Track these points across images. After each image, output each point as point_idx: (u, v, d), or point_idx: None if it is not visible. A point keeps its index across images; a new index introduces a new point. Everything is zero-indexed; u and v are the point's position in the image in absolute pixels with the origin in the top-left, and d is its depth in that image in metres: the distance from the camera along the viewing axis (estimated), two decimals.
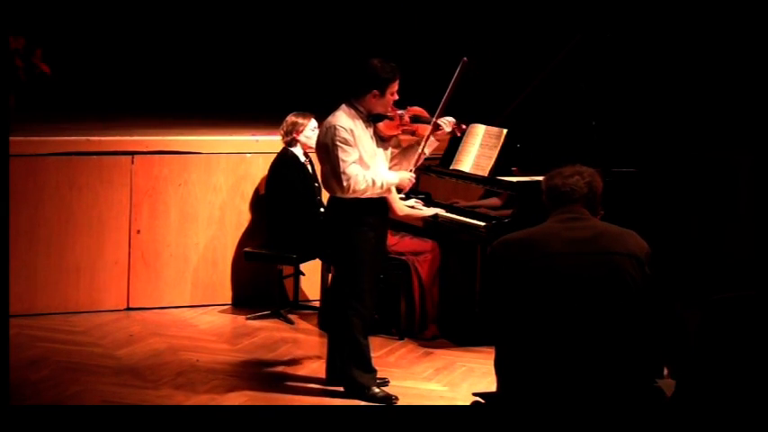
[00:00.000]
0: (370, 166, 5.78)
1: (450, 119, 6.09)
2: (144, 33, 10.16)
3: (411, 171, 6.02)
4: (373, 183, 5.73)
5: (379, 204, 5.90)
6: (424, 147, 6.01)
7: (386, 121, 5.87)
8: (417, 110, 6.05)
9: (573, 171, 4.11)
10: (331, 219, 5.93)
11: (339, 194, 5.76)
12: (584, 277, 3.80)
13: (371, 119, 5.83)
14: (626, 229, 3.99)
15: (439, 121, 6.02)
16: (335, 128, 5.70)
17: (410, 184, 6.03)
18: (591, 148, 6.73)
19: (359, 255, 5.81)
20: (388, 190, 5.93)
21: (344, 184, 5.68)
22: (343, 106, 5.81)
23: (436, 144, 6.19)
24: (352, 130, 5.71)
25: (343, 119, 5.74)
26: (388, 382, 6.10)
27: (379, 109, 5.82)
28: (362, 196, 5.74)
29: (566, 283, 3.79)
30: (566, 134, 6.98)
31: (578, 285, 3.79)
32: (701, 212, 8.35)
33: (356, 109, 5.79)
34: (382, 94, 5.76)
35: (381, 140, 5.90)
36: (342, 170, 5.67)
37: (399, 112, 5.95)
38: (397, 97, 5.83)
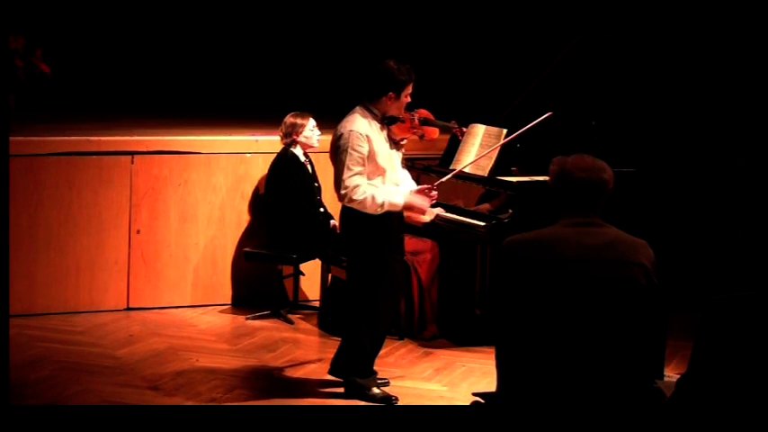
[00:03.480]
0: (386, 169, 5.73)
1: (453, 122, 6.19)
2: (144, 33, 10.16)
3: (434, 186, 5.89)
4: (372, 198, 5.57)
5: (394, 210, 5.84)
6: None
7: (399, 124, 5.86)
8: (425, 113, 6.06)
9: (596, 164, 3.86)
10: (345, 226, 5.87)
11: (339, 199, 5.72)
12: (595, 285, 3.72)
13: (385, 121, 5.80)
14: (637, 239, 3.88)
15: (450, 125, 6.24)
16: (350, 133, 5.62)
17: (422, 211, 5.79)
18: (591, 148, 6.72)
19: (371, 262, 5.77)
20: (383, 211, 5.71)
21: (342, 192, 5.61)
22: (358, 109, 5.74)
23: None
24: (368, 136, 5.63)
25: (360, 123, 5.66)
26: (389, 382, 6.10)
27: (393, 111, 5.78)
28: (358, 208, 5.62)
29: (577, 289, 3.71)
30: (566, 134, 6.98)
31: (589, 292, 3.70)
32: (700, 213, 8.35)
33: (371, 112, 5.73)
34: (398, 96, 5.72)
35: (393, 143, 5.88)
36: (343, 178, 5.58)
37: (410, 114, 5.95)
38: (410, 99, 5.81)
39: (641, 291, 3.75)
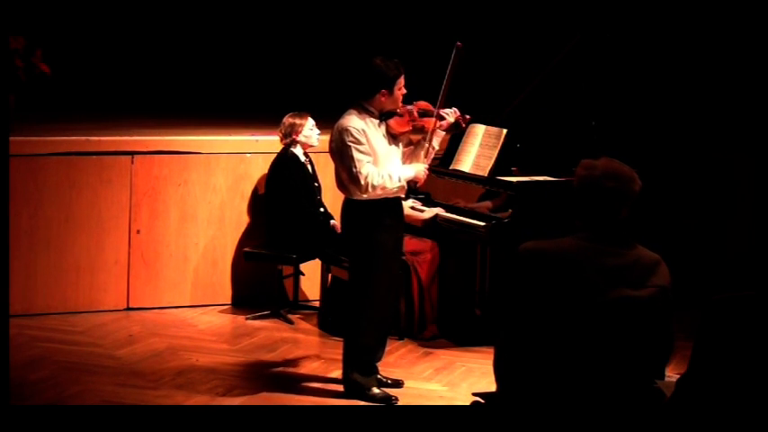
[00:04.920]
0: (385, 165, 5.78)
1: (453, 109, 6.09)
2: (144, 33, 10.16)
3: (425, 163, 5.99)
4: (390, 177, 5.71)
5: (395, 206, 5.88)
6: (431, 140, 6.01)
7: (396, 119, 5.88)
8: (424, 104, 6.04)
9: (625, 173, 3.76)
10: (346, 222, 5.91)
11: (357, 195, 5.74)
12: (612, 307, 3.65)
13: (382, 117, 5.84)
14: (656, 256, 3.78)
15: (442, 112, 6.02)
16: (347, 129, 5.70)
17: (425, 177, 5.97)
18: (591, 148, 6.73)
19: (373, 258, 5.80)
20: (403, 188, 5.87)
21: (362, 183, 5.67)
22: (353, 108, 5.80)
23: (443, 135, 6.17)
24: (363, 131, 5.71)
25: (354, 120, 5.74)
26: (402, 383, 6.11)
27: (389, 107, 5.82)
28: (381, 193, 5.72)
29: (593, 309, 3.64)
30: (566, 134, 6.98)
31: (606, 313, 3.65)
32: (700, 213, 8.35)
33: (366, 110, 5.78)
34: (391, 92, 5.77)
35: (393, 138, 5.90)
36: (358, 170, 5.66)
37: (408, 108, 5.96)
38: (404, 92, 5.84)
39: (658, 312, 3.71)
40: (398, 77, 5.78)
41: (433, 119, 5.98)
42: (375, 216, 5.78)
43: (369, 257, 5.82)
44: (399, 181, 5.77)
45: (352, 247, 5.90)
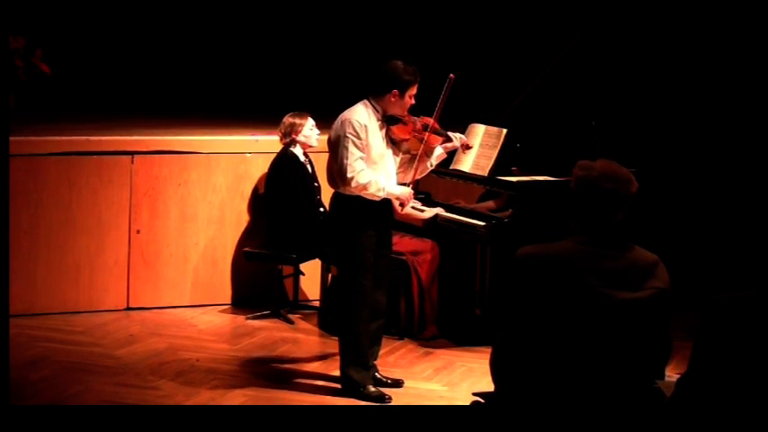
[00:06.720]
0: (377, 164, 5.81)
1: (461, 136, 6.26)
2: (144, 33, 10.16)
3: (410, 186, 6.01)
4: (376, 184, 5.75)
5: (383, 202, 5.91)
6: (423, 156, 6.04)
7: (399, 125, 5.91)
8: (429, 119, 6.07)
9: (623, 175, 3.75)
10: (334, 216, 5.96)
11: (341, 187, 5.79)
12: (612, 310, 3.64)
13: (386, 120, 5.87)
14: (654, 257, 3.77)
15: (450, 134, 6.13)
16: (350, 121, 5.75)
17: (410, 199, 5.99)
18: (591, 148, 6.73)
19: (360, 252, 5.83)
20: (382, 198, 5.87)
21: (349, 175, 5.71)
22: (363, 102, 5.86)
23: (444, 157, 6.24)
24: (366, 126, 5.76)
25: (360, 113, 5.79)
26: (402, 383, 6.12)
27: (395, 110, 5.86)
28: (361, 193, 5.76)
29: (593, 313, 3.63)
30: (566, 134, 6.98)
31: (606, 316, 3.64)
32: (701, 212, 8.35)
33: (374, 107, 5.84)
34: (402, 95, 5.81)
35: (392, 143, 5.93)
36: (349, 162, 5.71)
37: (413, 118, 5.99)
38: (413, 102, 5.88)
39: (657, 314, 3.70)
40: (412, 84, 5.83)
41: (439, 137, 6.03)
42: (361, 211, 5.82)
43: (353, 253, 5.85)
44: (382, 191, 5.79)
45: (339, 241, 5.94)
